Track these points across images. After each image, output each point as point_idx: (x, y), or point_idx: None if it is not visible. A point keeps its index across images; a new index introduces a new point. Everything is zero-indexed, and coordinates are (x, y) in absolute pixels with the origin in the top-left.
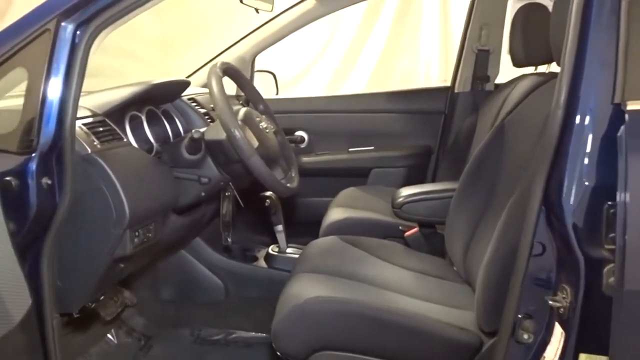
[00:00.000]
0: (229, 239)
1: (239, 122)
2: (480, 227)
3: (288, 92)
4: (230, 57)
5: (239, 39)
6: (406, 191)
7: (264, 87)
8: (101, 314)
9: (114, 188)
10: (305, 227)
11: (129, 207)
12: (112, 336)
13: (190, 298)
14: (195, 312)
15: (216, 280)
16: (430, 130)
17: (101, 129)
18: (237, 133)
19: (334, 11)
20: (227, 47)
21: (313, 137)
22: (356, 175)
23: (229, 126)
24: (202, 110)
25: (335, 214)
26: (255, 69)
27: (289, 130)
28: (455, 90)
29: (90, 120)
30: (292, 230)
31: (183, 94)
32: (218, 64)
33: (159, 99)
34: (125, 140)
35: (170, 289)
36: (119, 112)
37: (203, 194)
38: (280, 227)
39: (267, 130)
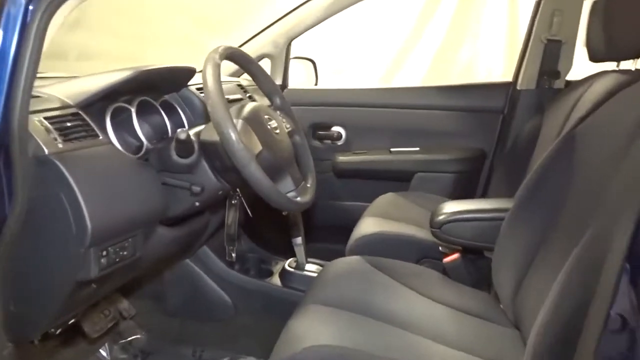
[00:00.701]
0: (234, 255)
1: (240, 121)
2: (536, 261)
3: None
4: (261, 42)
5: (273, 21)
6: (448, 208)
7: (303, 76)
8: (86, 330)
9: (74, 198)
10: (335, 233)
11: (93, 221)
12: (105, 351)
13: (196, 313)
14: (200, 329)
15: (224, 296)
16: (486, 131)
17: (69, 124)
18: (232, 134)
19: None
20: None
21: (351, 134)
22: (397, 179)
23: (222, 126)
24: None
25: (366, 225)
26: (293, 56)
27: (325, 126)
28: (518, 87)
29: (56, 113)
30: (321, 235)
31: (193, 83)
32: (219, 49)
33: (159, 88)
34: (100, 137)
35: (174, 301)
36: (100, 104)
37: (197, 204)
38: (299, 240)
39: (278, 131)
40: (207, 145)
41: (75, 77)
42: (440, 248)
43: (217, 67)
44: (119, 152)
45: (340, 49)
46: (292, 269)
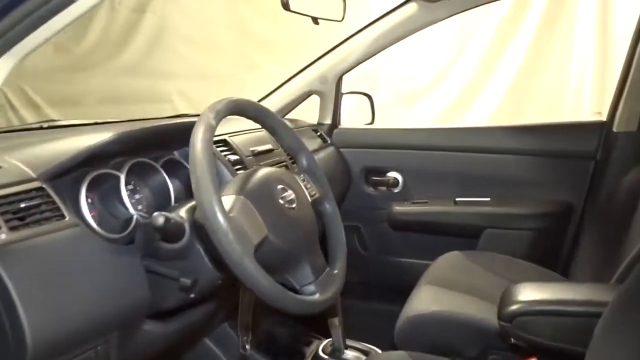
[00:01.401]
0: (248, 347)
1: (240, 198)
2: None
3: (397, 116)
4: (308, 77)
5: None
6: (522, 294)
7: (358, 112)
8: None
9: (10, 304)
10: (388, 293)
11: (35, 333)
12: None
13: None
14: None
15: None
16: (573, 181)
17: (24, 204)
18: (219, 222)
19: (444, 19)
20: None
21: (410, 181)
22: (463, 234)
23: (206, 210)
24: (234, 158)
25: (422, 299)
26: (346, 91)
27: (379, 170)
28: (614, 129)
29: (8, 191)
30: (372, 293)
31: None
32: (218, 104)
33: (165, 144)
34: (67, 218)
35: None
36: (79, 171)
37: (193, 295)
38: (336, 321)
39: (295, 205)
40: (200, 228)
41: (88, 124)
42: (512, 340)
43: (210, 131)
44: (88, 237)
45: (402, 79)
46: (326, 357)
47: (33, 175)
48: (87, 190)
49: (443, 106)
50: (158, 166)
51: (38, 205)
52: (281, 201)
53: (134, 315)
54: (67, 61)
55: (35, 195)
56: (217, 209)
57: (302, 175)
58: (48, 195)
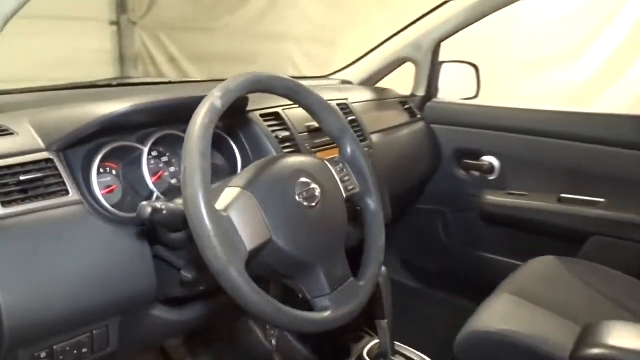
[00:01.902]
0: (274, 341)
1: (237, 191)
2: None
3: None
4: (401, 43)
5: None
6: (609, 336)
7: (461, 84)
8: None
9: None
10: (467, 289)
11: (10, 314)
12: None
13: None
14: None
15: None
16: None
17: (24, 177)
18: (203, 220)
19: None
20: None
21: (507, 168)
22: (564, 237)
23: (189, 207)
24: (284, 134)
25: (495, 312)
26: (447, 59)
27: (473, 153)
28: None
29: (10, 162)
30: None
31: (257, 107)
32: (230, 82)
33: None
34: (69, 195)
35: None
36: (92, 143)
37: (202, 288)
38: (384, 324)
39: (315, 203)
40: None
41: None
42: None
43: (212, 114)
44: (90, 216)
45: (525, 47)
46: None
47: (42, 145)
48: (113, 163)
49: (578, 80)
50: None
51: (41, 179)
52: (298, 198)
53: (139, 302)
54: (197, 14)
55: (40, 168)
56: (201, 206)
57: (341, 165)
58: (55, 168)
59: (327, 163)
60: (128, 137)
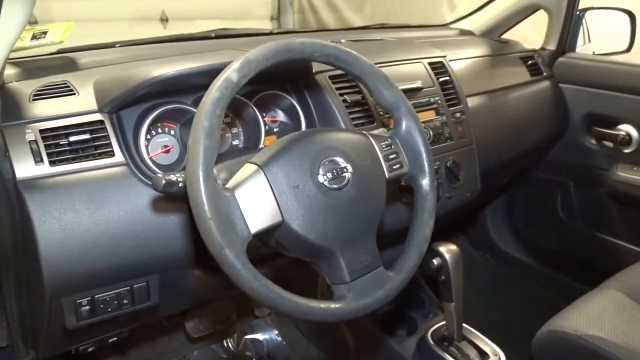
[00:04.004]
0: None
1: (259, 171)
2: None
3: None
4: None
5: None
6: None
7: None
8: (187, 329)
9: (31, 237)
10: (581, 273)
11: (50, 267)
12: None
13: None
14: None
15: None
16: None
17: (74, 138)
18: (201, 199)
19: None
20: None
21: None
22: None
23: (189, 186)
24: (355, 98)
25: (583, 311)
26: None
27: (608, 120)
28: None
29: (63, 123)
30: (566, 268)
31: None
32: (259, 49)
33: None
34: (114, 157)
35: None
36: (147, 104)
37: None
38: (451, 308)
39: (343, 185)
40: None
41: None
42: None
43: (227, 89)
44: (133, 177)
45: None
46: (432, 342)
47: (95, 106)
48: (171, 123)
49: None
50: (249, 102)
51: (85, 142)
52: (322, 178)
53: (177, 264)
54: None
55: (90, 129)
56: (200, 185)
57: (388, 141)
58: (104, 130)
59: (370, 139)
60: (184, 98)
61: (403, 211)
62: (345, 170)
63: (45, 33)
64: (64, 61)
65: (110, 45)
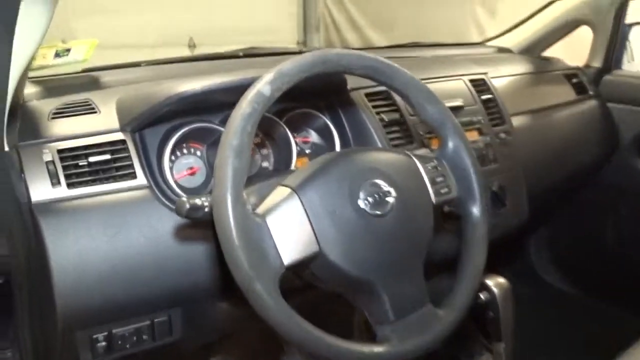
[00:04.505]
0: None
1: (293, 195)
2: None
3: None
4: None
5: None
6: None
7: None
8: None
9: (45, 266)
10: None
11: (63, 299)
12: None
13: None
14: None
15: None
16: None
17: (93, 159)
18: (230, 226)
19: None
20: None
21: None
22: None
23: (216, 210)
24: (392, 117)
25: None
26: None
27: None
28: None
29: (82, 142)
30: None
31: (362, 85)
32: (292, 61)
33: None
34: (137, 179)
35: None
36: (171, 123)
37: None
38: (501, 348)
39: (386, 211)
40: None
41: None
42: None
43: (258, 104)
44: (157, 201)
45: None
46: None
47: (117, 125)
48: (198, 144)
49: None
50: (279, 121)
51: (105, 162)
52: (363, 204)
53: (203, 295)
54: None
55: (112, 149)
56: (228, 210)
57: (434, 163)
58: (125, 150)
59: (415, 160)
60: (212, 116)
61: (447, 240)
62: (388, 194)
63: (68, 50)
64: (87, 80)
65: (136, 64)
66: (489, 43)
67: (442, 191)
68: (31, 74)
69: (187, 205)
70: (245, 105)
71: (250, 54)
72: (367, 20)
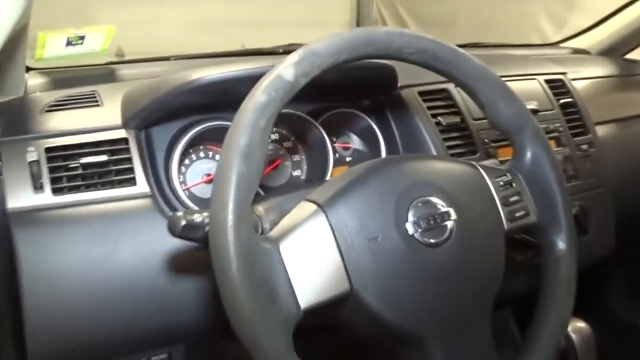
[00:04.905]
0: None
1: (318, 212)
2: None
3: None
4: None
5: None
6: None
7: None
8: None
9: (16, 292)
10: None
11: (35, 334)
12: None
13: None
14: None
15: None
16: None
17: (87, 159)
18: (229, 252)
19: None
20: None
21: None
22: None
23: (212, 229)
24: (451, 120)
25: None
26: None
27: None
28: None
29: (74, 140)
30: None
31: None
32: (325, 39)
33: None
34: (136, 186)
35: None
36: (185, 120)
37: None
38: None
39: (443, 239)
40: None
41: None
42: None
43: (278, 91)
44: (156, 216)
45: None
46: None
47: (119, 121)
48: (217, 146)
49: None
50: (316, 123)
51: (107, 163)
52: (412, 228)
53: (208, 331)
54: None
55: (109, 149)
56: (228, 232)
57: (507, 177)
58: (126, 151)
59: (482, 172)
60: (233, 114)
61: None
62: (446, 217)
63: (82, 38)
64: (104, 72)
65: (165, 58)
66: (563, 45)
67: (517, 214)
68: (43, 64)
69: (183, 222)
70: (258, 93)
71: (291, 50)
72: (416, 18)
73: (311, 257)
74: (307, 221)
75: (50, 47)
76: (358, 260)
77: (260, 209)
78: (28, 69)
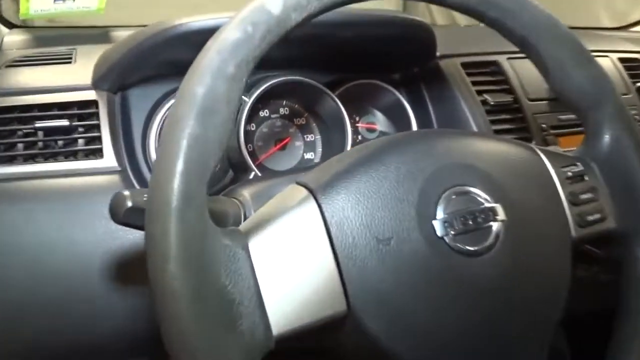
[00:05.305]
0: None
1: (309, 198)
2: None
3: None
4: None
5: None
6: None
7: None
8: None
9: None
10: None
11: None
12: None
13: None
14: None
15: None
16: None
17: (41, 123)
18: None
19: None
20: None
21: None
22: None
23: (148, 219)
24: (501, 99)
25: None
26: None
27: None
28: None
29: (32, 100)
30: None
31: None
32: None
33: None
34: (103, 158)
35: None
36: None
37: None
38: None
39: (485, 246)
40: None
41: None
42: None
43: (260, 31)
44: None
45: None
46: None
47: (89, 81)
48: None
49: None
50: (332, 94)
51: (69, 130)
52: (441, 228)
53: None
54: None
55: (73, 113)
56: (170, 221)
57: (578, 167)
58: (94, 116)
59: (544, 159)
60: None
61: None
62: (491, 216)
63: None
64: (98, 32)
65: None
66: (634, 29)
67: (590, 218)
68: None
69: (128, 204)
70: (229, 29)
71: None
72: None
73: (293, 261)
74: (291, 210)
75: (37, 1)
76: (361, 269)
77: (245, 194)
78: (12, 25)
